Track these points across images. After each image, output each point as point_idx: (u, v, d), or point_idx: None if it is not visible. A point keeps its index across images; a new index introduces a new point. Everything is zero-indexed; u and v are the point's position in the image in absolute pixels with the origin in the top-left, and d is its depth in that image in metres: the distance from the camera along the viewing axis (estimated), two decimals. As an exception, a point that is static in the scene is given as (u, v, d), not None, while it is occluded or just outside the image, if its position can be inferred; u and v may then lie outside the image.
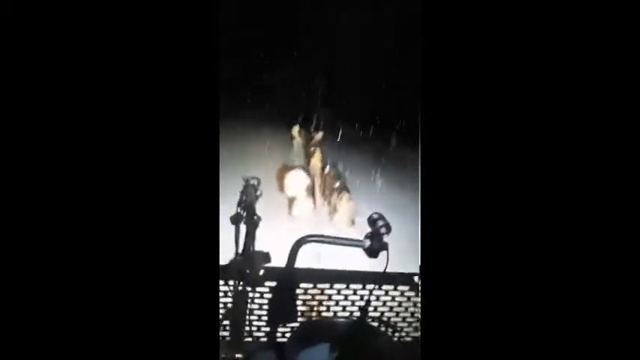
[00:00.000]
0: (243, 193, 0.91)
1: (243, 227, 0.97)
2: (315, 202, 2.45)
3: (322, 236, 1.09)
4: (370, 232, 1.08)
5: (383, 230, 1.07)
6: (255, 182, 0.89)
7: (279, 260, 1.07)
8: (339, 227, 2.28)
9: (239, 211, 0.92)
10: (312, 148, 2.63)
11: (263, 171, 2.52)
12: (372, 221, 1.09)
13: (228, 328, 1.09)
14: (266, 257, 1.05)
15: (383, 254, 1.09)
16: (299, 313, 1.13)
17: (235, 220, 0.92)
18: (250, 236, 0.97)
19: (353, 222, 2.27)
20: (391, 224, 1.08)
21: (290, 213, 2.36)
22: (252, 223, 0.94)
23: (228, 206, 0.93)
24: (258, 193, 0.90)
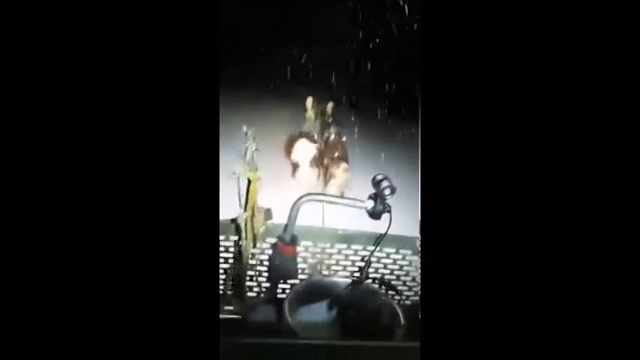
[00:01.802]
0: (243, 145, 0.90)
1: (244, 183, 0.97)
2: (319, 172, 2.45)
3: (324, 195, 1.09)
4: (374, 194, 1.07)
5: (387, 192, 1.05)
6: (254, 135, 0.88)
7: (281, 218, 1.07)
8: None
9: (241, 164, 0.91)
10: (325, 119, 2.64)
11: (273, 138, 2.52)
12: (375, 182, 1.07)
13: (230, 283, 1.11)
14: (268, 213, 1.05)
15: (386, 216, 1.08)
16: (299, 271, 1.14)
17: (237, 173, 0.92)
18: (253, 191, 0.97)
19: (342, 194, 2.26)
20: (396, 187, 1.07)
21: (294, 178, 2.37)
22: (255, 178, 0.94)
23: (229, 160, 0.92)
24: (255, 147, 0.89)
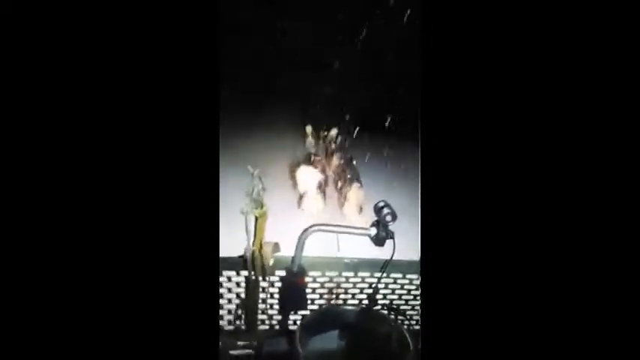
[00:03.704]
0: (250, 184, 0.94)
1: (252, 219, 1.00)
2: (325, 197, 2.48)
3: (329, 225, 1.12)
4: (376, 220, 1.10)
5: (388, 218, 1.08)
6: (260, 175, 0.92)
7: (289, 250, 1.10)
8: (348, 217, 2.31)
9: (248, 202, 0.95)
10: (327, 145, 2.68)
11: (276, 167, 2.56)
12: (377, 209, 1.10)
13: (242, 316, 1.13)
14: (275, 247, 1.08)
15: (389, 242, 1.10)
16: (309, 301, 1.16)
17: (244, 211, 0.96)
18: (260, 227, 1.01)
19: (361, 209, 2.29)
20: (397, 212, 1.10)
21: (300, 208, 2.39)
22: (261, 214, 0.97)
23: (236, 198, 0.97)
24: (261, 186, 0.93)
